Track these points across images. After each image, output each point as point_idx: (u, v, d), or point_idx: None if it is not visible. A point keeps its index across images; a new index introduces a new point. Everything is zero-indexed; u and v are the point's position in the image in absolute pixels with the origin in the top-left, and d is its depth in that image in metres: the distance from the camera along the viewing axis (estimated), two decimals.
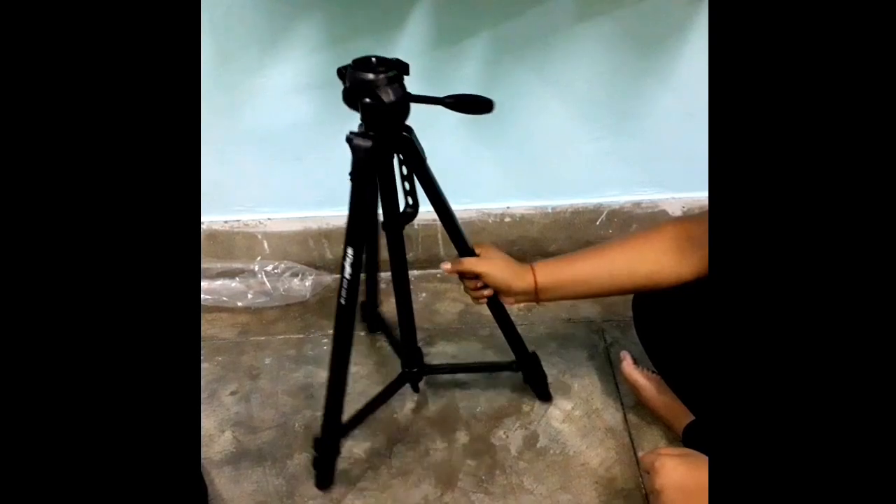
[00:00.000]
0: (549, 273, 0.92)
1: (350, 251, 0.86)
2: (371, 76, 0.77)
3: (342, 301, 0.89)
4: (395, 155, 0.86)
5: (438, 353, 1.24)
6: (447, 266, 0.93)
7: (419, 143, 0.85)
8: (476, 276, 0.93)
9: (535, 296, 0.93)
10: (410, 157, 0.85)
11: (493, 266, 0.93)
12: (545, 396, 1.13)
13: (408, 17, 1.17)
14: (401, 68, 0.79)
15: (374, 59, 0.80)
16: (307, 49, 1.19)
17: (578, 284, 0.92)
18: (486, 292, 0.94)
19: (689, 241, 0.88)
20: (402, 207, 0.90)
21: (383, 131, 0.81)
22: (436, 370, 1.18)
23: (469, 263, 0.92)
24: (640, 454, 1.03)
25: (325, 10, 1.15)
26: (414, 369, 1.10)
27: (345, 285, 0.88)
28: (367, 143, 0.80)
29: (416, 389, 1.14)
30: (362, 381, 1.19)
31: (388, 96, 0.77)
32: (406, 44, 1.18)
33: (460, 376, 1.18)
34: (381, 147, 0.81)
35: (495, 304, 1.00)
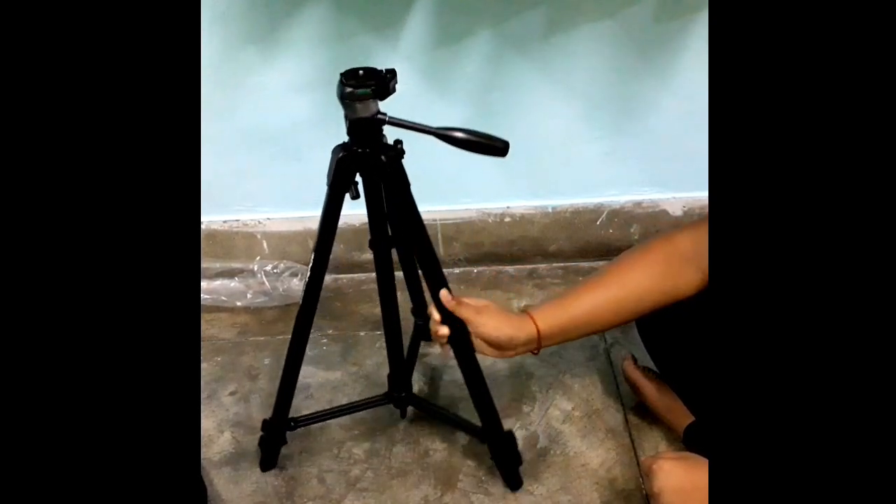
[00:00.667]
0: (551, 318, 0.86)
1: (313, 256, 0.87)
2: (346, 89, 0.76)
3: (301, 301, 0.92)
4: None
5: (438, 352, 1.24)
6: (447, 297, 0.84)
7: (400, 169, 0.81)
8: (458, 325, 0.84)
9: (538, 345, 0.86)
10: (387, 180, 0.82)
11: (493, 318, 0.84)
12: (514, 484, 0.97)
13: (409, 16, 1.16)
14: (379, 87, 0.76)
15: (360, 72, 0.78)
16: (307, 48, 1.18)
17: (581, 326, 0.87)
18: (444, 331, 0.85)
19: (680, 258, 0.85)
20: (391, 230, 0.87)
21: (359, 145, 0.80)
22: (422, 405, 1.09)
23: (469, 308, 0.84)
24: (640, 455, 1.03)
25: (325, 8, 1.15)
26: (402, 394, 1.04)
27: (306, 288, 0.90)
28: (339, 154, 0.80)
29: (402, 415, 1.09)
30: (362, 381, 1.19)
31: (353, 113, 0.76)
32: (407, 42, 1.18)
33: (460, 377, 1.17)
34: (355, 161, 0.80)
35: (466, 359, 0.90)
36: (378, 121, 0.77)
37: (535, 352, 0.88)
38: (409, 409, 1.09)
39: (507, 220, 1.40)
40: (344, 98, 0.76)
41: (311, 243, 1.44)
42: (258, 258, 1.43)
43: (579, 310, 0.86)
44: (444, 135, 0.75)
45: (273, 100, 1.24)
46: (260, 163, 1.33)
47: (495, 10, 1.15)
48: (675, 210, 1.39)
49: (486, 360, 1.20)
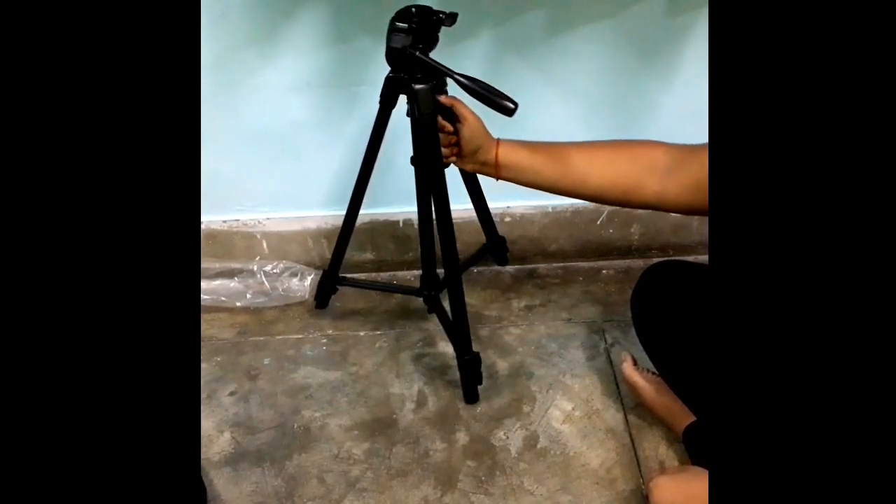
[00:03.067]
0: (512, 153, 0.91)
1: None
2: (393, 20, 0.88)
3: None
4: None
5: (438, 353, 1.24)
6: (445, 97, 0.92)
7: (421, 100, 0.91)
8: (454, 130, 0.92)
9: (495, 170, 0.92)
10: (412, 108, 0.94)
11: (476, 126, 0.91)
12: (470, 398, 1.13)
13: None
14: (419, 27, 0.87)
15: (413, 9, 0.89)
16: (307, 48, 1.18)
17: (535, 173, 0.92)
18: (453, 149, 0.94)
19: (650, 165, 0.86)
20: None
21: (396, 72, 0.93)
22: (441, 312, 1.19)
23: (465, 107, 0.91)
24: (640, 455, 1.03)
25: (325, 9, 1.14)
26: (432, 292, 1.18)
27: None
28: (388, 75, 0.94)
29: (429, 311, 1.23)
30: (362, 381, 1.19)
31: (389, 42, 0.89)
32: None
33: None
34: (397, 84, 0.94)
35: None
36: (409, 54, 0.88)
37: (494, 177, 0.94)
38: (414, 405, 1.09)
39: (507, 219, 1.40)
40: (389, 27, 0.89)
41: (311, 243, 1.44)
42: (258, 258, 1.43)
43: (540, 158, 0.91)
44: (458, 79, 0.85)
45: (273, 100, 1.24)
46: (260, 163, 1.33)
47: (496, 11, 1.15)
48: None
49: (487, 362, 1.21)
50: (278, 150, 1.31)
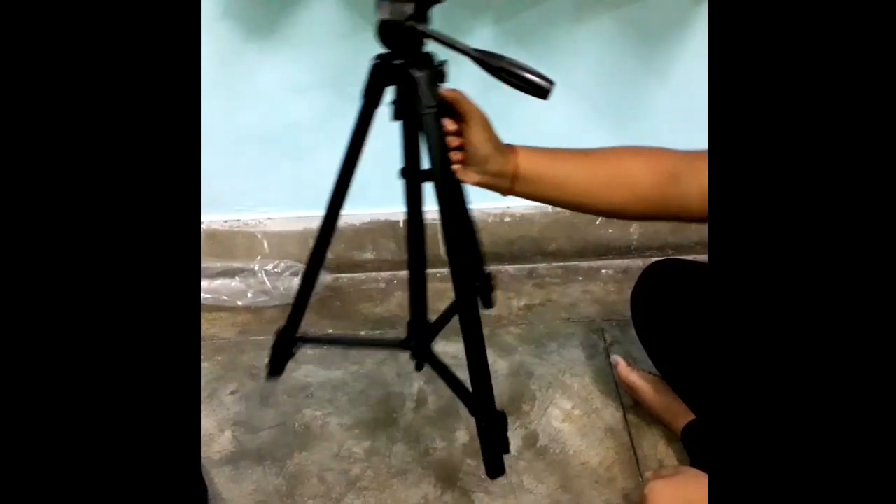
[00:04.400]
0: (535, 162, 0.76)
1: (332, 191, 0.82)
2: None
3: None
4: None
5: (438, 352, 1.24)
6: (449, 91, 0.74)
7: (423, 92, 0.71)
8: (457, 130, 0.75)
9: (510, 183, 0.76)
10: (401, 97, 0.73)
11: (486, 129, 0.74)
12: (495, 471, 0.87)
13: None
14: None
15: None
16: (307, 48, 1.19)
17: (557, 186, 0.77)
18: (459, 155, 0.76)
19: (673, 179, 0.76)
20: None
21: (391, 55, 0.71)
22: (436, 363, 1.00)
23: (472, 105, 0.74)
24: (640, 454, 1.03)
25: (325, 7, 1.15)
26: (422, 344, 0.98)
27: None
28: (374, 61, 0.73)
29: (418, 368, 1.04)
30: (362, 380, 1.19)
31: (380, 13, 0.67)
32: None
33: (460, 376, 1.17)
34: (388, 72, 0.73)
35: (470, 324, 0.82)
36: (409, 28, 0.67)
37: (504, 192, 0.78)
38: (414, 404, 1.09)
39: (507, 219, 1.40)
40: None
41: (311, 243, 1.44)
42: (258, 257, 1.43)
43: (565, 168, 0.77)
44: (481, 59, 0.66)
45: (273, 100, 1.24)
46: (260, 162, 1.33)
47: (496, 9, 1.15)
48: None
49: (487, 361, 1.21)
50: (279, 149, 1.31)
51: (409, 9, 0.66)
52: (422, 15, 0.68)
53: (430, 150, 0.74)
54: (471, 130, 0.73)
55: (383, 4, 0.67)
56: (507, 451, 0.88)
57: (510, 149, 0.76)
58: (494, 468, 0.87)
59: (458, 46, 0.67)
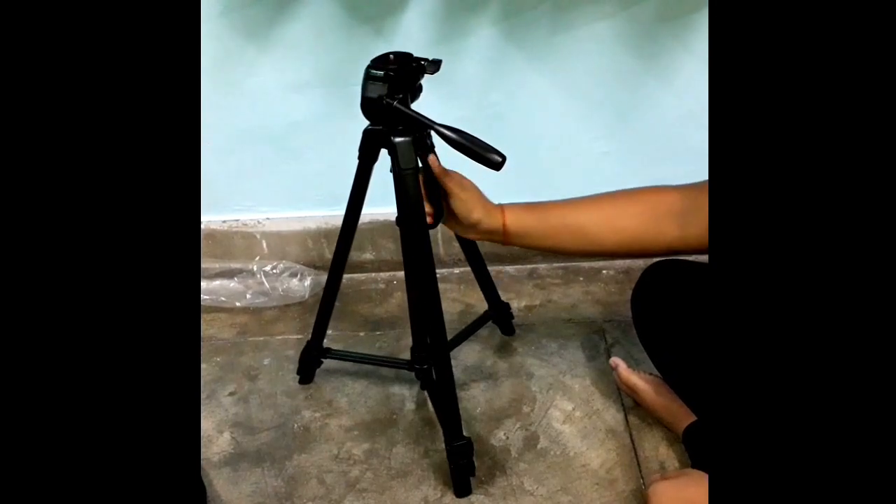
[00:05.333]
0: (520, 219, 0.86)
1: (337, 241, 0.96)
2: (368, 68, 0.81)
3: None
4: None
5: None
6: (435, 162, 0.85)
7: (401, 155, 0.84)
8: (440, 197, 0.86)
9: (503, 239, 0.87)
10: (394, 162, 0.86)
11: (470, 199, 0.85)
12: (461, 490, 0.98)
13: (409, 16, 1.16)
14: (396, 74, 0.80)
15: (391, 56, 0.83)
16: (306, 48, 1.18)
17: (546, 238, 0.87)
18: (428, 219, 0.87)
19: (667, 211, 0.83)
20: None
21: (374, 124, 0.86)
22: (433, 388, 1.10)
23: (454, 180, 0.85)
24: (641, 455, 1.03)
25: (325, 8, 1.14)
26: (424, 366, 1.07)
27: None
28: (367, 127, 0.86)
29: (422, 387, 1.13)
30: (361, 381, 1.18)
31: (365, 91, 0.81)
32: (407, 42, 1.18)
33: (461, 377, 1.17)
34: (376, 136, 0.86)
35: (441, 370, 0.95)
36: (386, 104, 0.80)
37: (504, 244, 0.88)
38: (414, 406, 1.09)
39: None
40: (364, 74, 0.82)
41: (311, 243, 1.44)
42: (257, 258, 1.43)
43: (551, 221, 0.86)
44: (442, 132, 0.78)
45: (273, 100, 1.24)
46: (260, 163, 1.33)
47: (496, 9, 1.15)
48: None
49: (486, 362, 1.21)
50: (278, 149, 1.31)
51: (383, 89, 0.80)
52: (397, 93, 0.81)
53: (405, 206, 0.86)
54: (457, 201, 0.85)
55: (364, 84, 0.81)
56: (472, 474, 0.98)
57: (498, 209, 0.86)
58: (461, 488, 0.98)
59: (425, 121, 0.79)
